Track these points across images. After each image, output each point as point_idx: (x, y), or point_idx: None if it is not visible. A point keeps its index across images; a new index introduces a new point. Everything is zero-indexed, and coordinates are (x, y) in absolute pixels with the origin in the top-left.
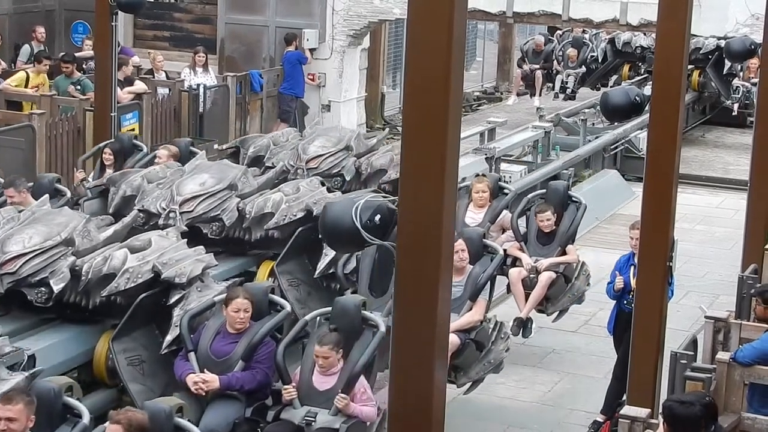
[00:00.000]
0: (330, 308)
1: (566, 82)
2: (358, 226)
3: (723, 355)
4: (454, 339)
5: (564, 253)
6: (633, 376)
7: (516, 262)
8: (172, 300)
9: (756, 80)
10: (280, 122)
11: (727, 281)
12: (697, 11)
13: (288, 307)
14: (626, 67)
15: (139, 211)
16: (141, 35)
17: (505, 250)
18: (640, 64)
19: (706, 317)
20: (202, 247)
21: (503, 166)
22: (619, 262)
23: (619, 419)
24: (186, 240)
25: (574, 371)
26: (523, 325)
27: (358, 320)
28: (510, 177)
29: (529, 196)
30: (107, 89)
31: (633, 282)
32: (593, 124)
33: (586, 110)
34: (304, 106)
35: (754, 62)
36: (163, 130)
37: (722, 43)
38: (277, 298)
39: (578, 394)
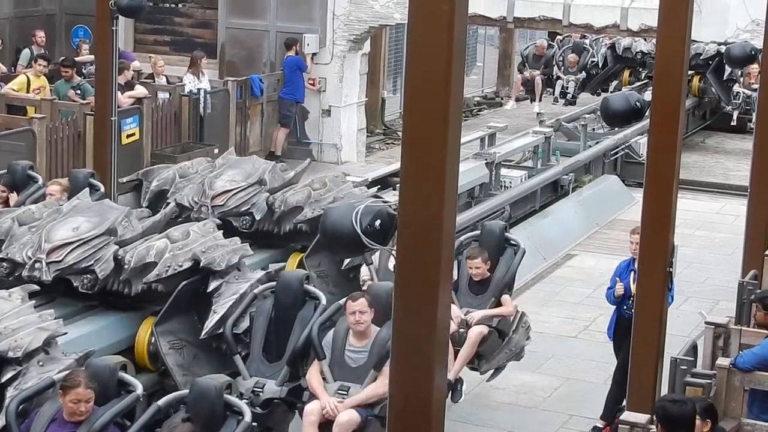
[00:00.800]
0: (187, 392)
1: (566, 88)
2: (359, 231)
3: (723, 361)
4: (353, 416)
5: (499, 303)
6: (633, 381)
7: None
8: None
9: (756, 86)
10: (281, 127)
11: (727, 287)
12: (698, 16)
13: (138, 390)
14: (626, 73)
15: (1, 260)
16: (141, 40)
17: None
18: (640, 69)
19: (706, 323)
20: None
21: (503, 171)
22: (619, 268)
23: (619, 425)
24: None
25: (574, 377)
26: (451, 388)
27: (220, 406)
28: (510, 182)
29: (461, 238)
30: (107, 93)
31: (633, 287)
32: (593, 129)
33: (587, 115)
34: (304, 111)
35: (754, 68)
36: (163, 135)
37: (722, 48)
38: (126, 377)
39: (578, 399)
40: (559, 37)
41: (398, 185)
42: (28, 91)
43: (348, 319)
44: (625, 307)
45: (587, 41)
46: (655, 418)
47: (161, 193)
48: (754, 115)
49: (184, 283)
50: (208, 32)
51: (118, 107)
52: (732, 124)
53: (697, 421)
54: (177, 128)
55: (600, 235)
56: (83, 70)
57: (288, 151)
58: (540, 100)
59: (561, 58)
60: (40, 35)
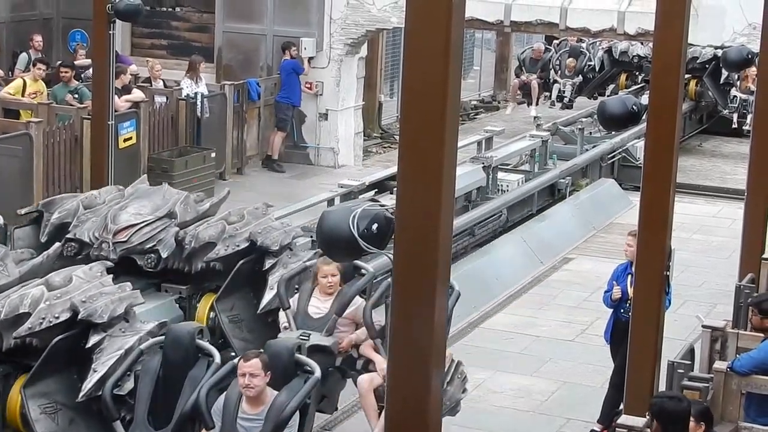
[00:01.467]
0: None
1: (563, 92)
2: (356, 234)
3: (720, 365)
4: None
5: None
6: (630, 385)
7: (369, 365)
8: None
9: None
10: (278, 131)
11: (724, 290)
12: (694, 20)
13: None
14: (623, 77)
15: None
16: (138, 43)
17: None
18: (637, 73)
19: (703, 326)
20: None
21: (500, 175)
22: (616, 271)
23: (616, 428)
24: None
25: (571, 380)
26: None
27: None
28: (507, 186)
29: (390, 279)
30: (104, 97)
31: (630, 291)
32: (590, 133)
33: (584, 119)
34: (301, 115)
35: (751, 71)
36: (160, 139)
37: (719, 52)
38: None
39: (575, 403)
40: (556, 41)
41: (395, 189)
42: (23, 95)
43: (239, 381)
44: (622, 311)
45: (584, 45)
46: (649, 414)
47: (62, 226)
48: (749, 118)
49: (59, 337)
50: (205, 36)
51: (115, 111)
52: (733, 127)
53: (692, 423)
54: (174, 132)
55: (597, 238)
56: (81, 75)
57: (285, 154)
58: (537, 104)
59: (558, 62)
60: (38, 39)
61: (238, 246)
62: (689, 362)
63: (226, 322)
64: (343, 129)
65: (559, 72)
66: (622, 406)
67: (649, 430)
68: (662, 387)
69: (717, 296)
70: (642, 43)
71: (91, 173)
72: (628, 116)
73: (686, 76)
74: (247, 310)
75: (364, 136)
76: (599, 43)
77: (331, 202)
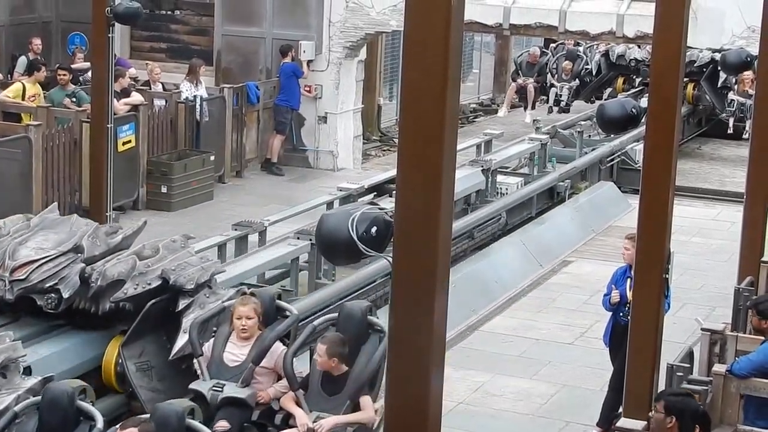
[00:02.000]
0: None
1: (560, 95)
2: (355, 238)
3: (719, 368)
4: None
5: (357, 407)
6: (629, 388)
7: (289, 420)
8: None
9: (752, 92)
10: (276, 134)
11: (723, 293)
12: (693, 23)
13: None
14: (620, 80)
15: None
16: (138, 47)
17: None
18: (634, 77)
19: (702, 329)
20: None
21: (500, 178)
22: (615, 274)
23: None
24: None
25: (570, 383)
26: None
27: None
28: (506, 189)
29: (315, 323)
30: (104, 101)
31: (629, 294)
32: (590, 136)
33: (583, 122)
34: (300, 118)
35: (748, 75)
36: (159, 142)
37: (717, 55)
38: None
39: (574, 406)
40: (552, 44)
41: (394, 192)
42: (23, 99)
43: None
44: (621, 314)
45: (581, 49)
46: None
47: None
48: (748, 123)
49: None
50: (204, 39)
51: (115, 114)
52: (729, 132)
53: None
54: (173, 135)
55: (596, 241)
56: (79, 78)
57: (284, 158)
58: (533, 108)
59: (555, 66)
60: (37, 42)
61: (149, 284)
62: (688, 365)
63: (133, 369)
64: (342, 132)
65: (556, 76)
66: (621, 409)
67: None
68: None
69: (716, 299)
70: (639, 47)
71: (90, 176)
72: (627, 119)
73: (686, 78)
74: (158, 356)
75: (363, 139)
76: (596, 47)
77: (330, 205)
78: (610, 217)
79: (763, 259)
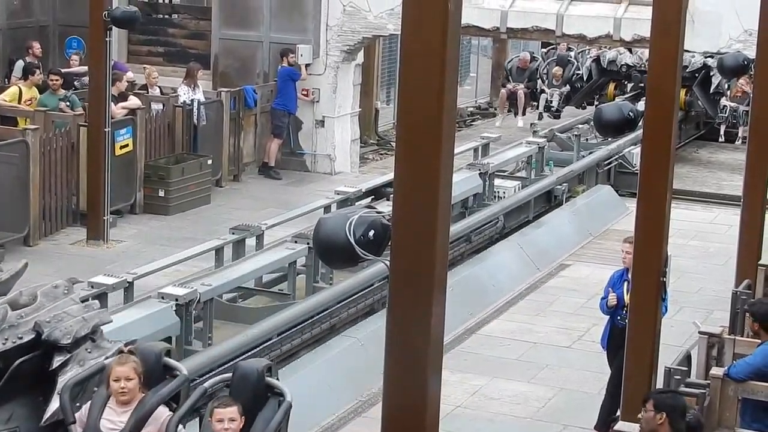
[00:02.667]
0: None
1: (551, 101)
2: (352, 241)
3: (717, 371)
4: None
5: None
6: (627, 391)
7: None
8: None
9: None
10: (274, 138)
11: (720, 297)
12: (690, 27)
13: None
14: (612, 86)
15: None
16: (135, 51)
17: None
18: (625, 82)
19: (699, 332)
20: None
21: (497, 181)
22: (612, 278)
23: None
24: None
25: (568, 387)
26: None
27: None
28: (504, 192)
29: (206, 384)
30: (101, 104)
31: (626, 297)
32: (587, 139)
33: (580, 126)
34: (298, 122)
35: (742, 82)
36: (157, 146)
37: (710, 61)
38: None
39: (572, 409)
40: (543, 49)
41: (392, 195)
42: (19, 102)
43: None
44: (618, 317)
45: (572, 54)
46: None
47: None
48: (741, 129)
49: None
50: (201, 43)
51: (112, 118)
52: (720, 139)
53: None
54: (171, 139)
55: (594, 245)
56: (75, 82)
57: (282, 161)
58: (524, 114)
59: (545, 71)
60: (36, 46)
61: (20, 338)
62: (686, 368)
63: None
64: (339, 136)
65: (546, 81)
66: (618, 413)
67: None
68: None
69: (714, 302)
70: (631, 51)
71: (88, 180)
72: (625, 122)
73: None
74: (29, 421)
75: (361, 142)
76: (588, 52)
77: (327, 209)
78: (607, 221)
79: (760, 262)
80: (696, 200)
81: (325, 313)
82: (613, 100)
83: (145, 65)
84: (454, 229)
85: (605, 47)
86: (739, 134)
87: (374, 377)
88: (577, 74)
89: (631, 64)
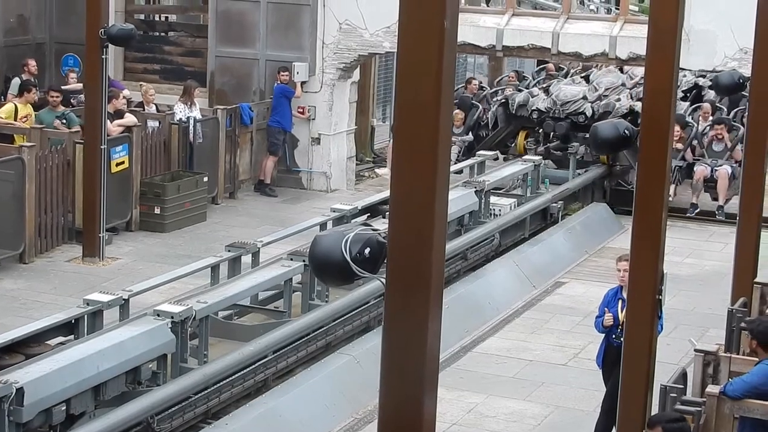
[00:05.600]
0: None
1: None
2: (348, 259)
3: (713, 389)
4: None
5: None
6: (622, 409)
7: None
8: None
9: (680, 145)
10: (269, 155)
11: (716, 314)
12: (686, 45)
13: None
14: (522, 135)
15: None
16: (131, 68)
17: None
18: (539, 129)
19: (695, 350)
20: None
21: (493, 199)
22: (607, 296)
23: None
24: None
25: (563, 405)
26: None
27: None
28: (500, 210)
29: None
30: (97, 122)
31: (621, 315)
32: (582, 157)
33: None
34: (293, 140)
35: (679, 131)
36: (153, 163)
37: (701, 80)
38: None
39: (568, 427)
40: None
41: (388, 213)
42: (15, 120)
43: None
44: (613, 336)
45: (485, 93)
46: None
47: None
48: (672, 189)
49: None
50: (197, 61)
51: (108, 136)
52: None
53: None
54: (167, 157)
55: (589, 262)
56: (72, 100)
57: (277, 179)
58: None
59: None
60: (32, 64)
61: None
62: (682, 386)
63: None
64: (335, 153)
65: None
66: (614, 430)
67: None
68: (655, 411)
69: (709, 320)
70: (547, 92)
71: (84, 197)
72: (620, 140)
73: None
74: None
75: (357, 160)
76: (501, 92)
77: (323, 226)
78: (603, 239)
79: (756, 280)
80: (692, 218)
81: (320, 330)
82: (525, 152)
83: (141, 82)
84: (450, 246)
85: (514, 90)
86: (670, 194)
87: (370, 395)
88: (482, 120)
89: (544, 110)
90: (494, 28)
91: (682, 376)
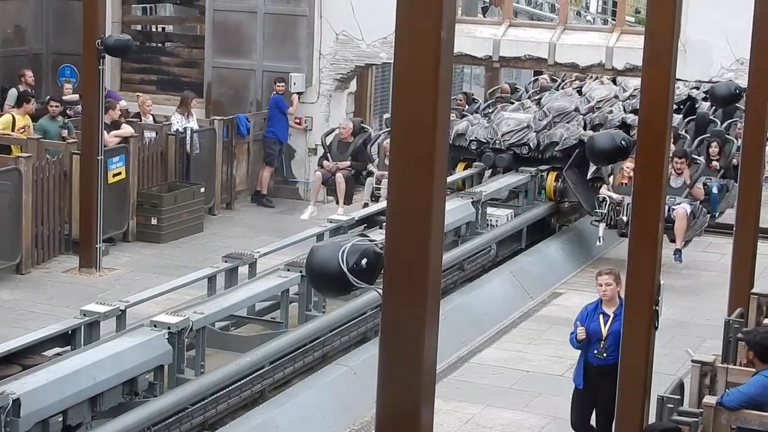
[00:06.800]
0: None
1: (378, 187)
2: (345, 269)
3: (710, 399)
4: None
5: None
6: (620, 419)
7: None
8: None
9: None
10: (266, 166)
11: (713, 325)
12: (682, 56)
13: None
14: (461, 166)
15: None
16: (128, 79)
17: None
18: (479, 161)
19: (692, 361)
20: None
21: (489, 209)
22: (586, 310)
23: None
24: None
25: (560, 415)
26: None
27: None
28: (497, 221)
29: None
30: (94, 133)
31: (605, 330)
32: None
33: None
34: (290, 150)
35: (628, 165)
36: (150, 174)
37: (695, 92)
38: None
39: None
40: (387, 115)
41: (385, 224)
42: (13, 130)
43: None
44: (595, 352)
45: (477, 105)
46: None
47: None
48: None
49: None
50: (194, 71)
51: (105, 146)
52: (597, 243)
53: None
54: (164, 167)
55: (586, 273)
56: (68, 111)
57: (274, 189)
58: (349, 203)
59: (376, 146)
60: (29, 74)
61: None
62: (679, 397)
63: None
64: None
65: (377, 160)
66: None
67: None
68: (652, 421)
69: (706, 331)
70: (488, 119)
71: (80, 208)
72: (617, 151)
73: (544, 167)
74: None
75: None
76: (494, 105)
77: (320, 237)
78: (599, 250)
79: (752, 290)
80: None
81: (317, 341)
82: (463, 187)
83: (138, 93)
84: (446, 257)
85: (458, 116)
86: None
87: (367, 405)
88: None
89: (484, 140)
90: (491, 39)
91: (679, 387)
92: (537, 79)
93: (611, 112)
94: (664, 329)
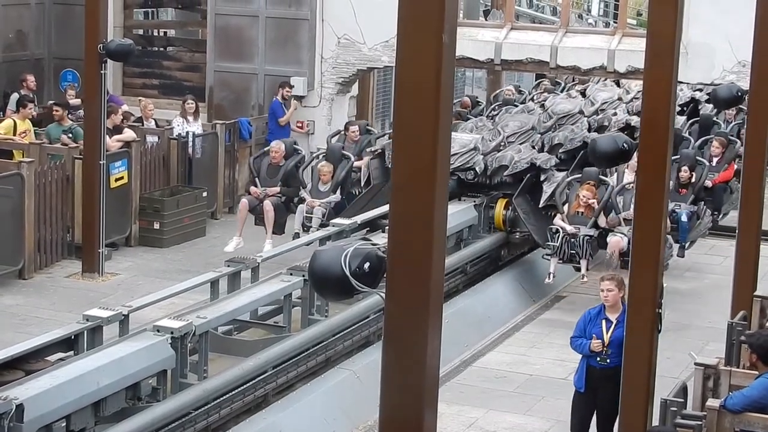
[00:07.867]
0: None
1: (309, 215)
2: (348, 273)
3: (713, 402)
4: None
5: None
6: (623, 423)
7: None
8: None
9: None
10: None
11: (716, 328)
12: (684, 58)
13: None
14: None
15: None
16: (130, 83)
17: None
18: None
19: (695, 364)
20: None
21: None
22: (589, 315)
23: None
24: None
25: (563, 419)
26: None
27: None
28: None
29: None
30: (96, 137)
31: (607, 336)
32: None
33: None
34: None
35: (585, 193)
36: (152, 178)
37: (698, 94)
38: None
39: None
40: (335, 133)
41: (387, 227)
42: (14, 135)
43: None
44: (598, 359)
45: (368, 139)
46: None
47: None
48: (583, 264)
49: None
50: (196, 75)
51: (107, 151)
52: (547, 280)
53: None
54: (166, 172)
55: (589, 277)
56: (70, 115)
57: None
58: (276, 232)
59: (310, 171)
60: (31, 79)
61: None
62: (682, 400)
63: None
64: None
65: (310, 185)
66: None
67: None
68: (655, 425)
69: (709, 334)
70: (493, 122)
71: (83, 213)
72: (619, 154)
73: (495, 193)
74: None
75: None
76: (374, 143)
77: (323, 241)
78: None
79: (756, 293)
80: None
81: (320, 345)
82: None
83: (140, 98)
84: (449, 260)
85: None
86: (582, 269)
87: (370, 410)
88: (354, 176)
89: None
90: (493, 42)
91: (683, 390)
92: (540, 82)
93: (615, 114)
94: (666, 332)
